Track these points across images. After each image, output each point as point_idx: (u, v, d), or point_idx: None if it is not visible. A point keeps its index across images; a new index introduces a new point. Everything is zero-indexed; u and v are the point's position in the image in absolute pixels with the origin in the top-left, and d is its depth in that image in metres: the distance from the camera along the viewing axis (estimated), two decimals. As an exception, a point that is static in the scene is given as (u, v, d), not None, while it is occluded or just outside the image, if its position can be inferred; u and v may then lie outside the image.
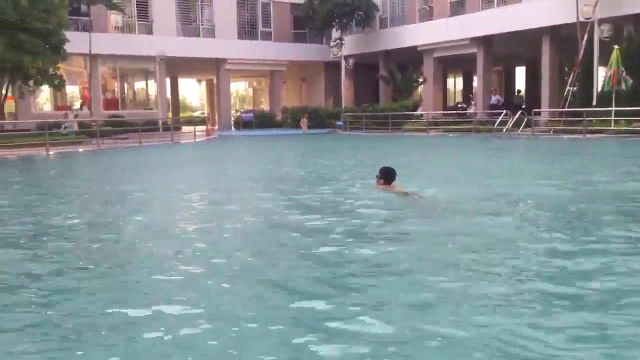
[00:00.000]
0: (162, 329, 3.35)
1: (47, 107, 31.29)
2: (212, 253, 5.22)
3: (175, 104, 40.80)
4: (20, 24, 21.29)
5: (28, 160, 17.52)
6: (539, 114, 23.96)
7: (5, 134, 21.40)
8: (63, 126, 24.38)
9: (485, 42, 26.94)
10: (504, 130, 22.68)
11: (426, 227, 6.23)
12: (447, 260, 4.74)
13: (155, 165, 15.79)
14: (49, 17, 21.62)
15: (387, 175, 7.51)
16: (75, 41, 24.25)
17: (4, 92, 23.35)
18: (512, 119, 23.06)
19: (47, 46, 22.33)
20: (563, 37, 24.03)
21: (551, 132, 22.41)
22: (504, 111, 23.90)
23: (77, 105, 30.94)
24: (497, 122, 23.38)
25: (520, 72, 35.55)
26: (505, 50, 28.39)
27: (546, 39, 24.50)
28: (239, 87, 46.75)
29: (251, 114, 33.84)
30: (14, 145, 19.89)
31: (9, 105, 26.23)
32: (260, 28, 34.58)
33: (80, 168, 16.09)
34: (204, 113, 44.76)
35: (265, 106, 39.39)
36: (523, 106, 26.99)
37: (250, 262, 4.91)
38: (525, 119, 22.98)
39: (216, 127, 33.49)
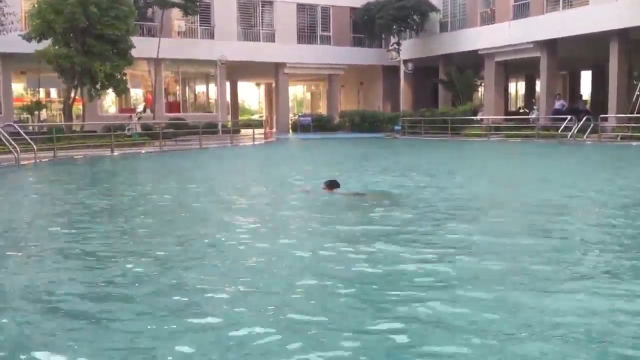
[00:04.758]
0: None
1: (112, 110, 32.41)
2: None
3: (235, 107, 41.48)
4: (90, 29, 22.15)
5: (97, 160, 18.12)
6: (605, 119, 23.12)
7: (73, 135, 22.23)
8: (127, 128, 25.12)
9: (550, 45, 26.19)
10: (569, 136, 21.99)
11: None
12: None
13: (235, 166, 16.11)
14: (119, 24, 22.37)
15: (332, 185, 8.91)
16: (140, 46, 24.98)
17: (72, 95, 24.28)
18: (578, 124, 22.30)
19: (115, 51, 23.11)
20: (633, 40, 23.14)
21: (618, 138, 21.63)
22: (569, 116, 23.17)
23: (140, 107, 31.87)
24: (562, 127, 22.70)
25: (586, 77, 34.43)
26: (571, 54, 27.53)
27: (614, 42, 23.60)
28: (296, 91, 47.11)
29: (309, 118, 34.02)
30: (80, 145, 20.64)
31: (76, 108, 27.27)
32: (319, 32, 34.76)
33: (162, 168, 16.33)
34: (262, 116, 45.31)
35: (322, 110, 39.56)
36: (589, 111, 26.15)
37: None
38: (592, 125, 22.19)
39: (274, 130, 33.82)
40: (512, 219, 7.14)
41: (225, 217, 7.44)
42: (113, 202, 9.31)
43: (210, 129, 27.77)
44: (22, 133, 17.62)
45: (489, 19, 29.35)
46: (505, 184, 10.87)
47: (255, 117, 47.49)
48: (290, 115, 37.18)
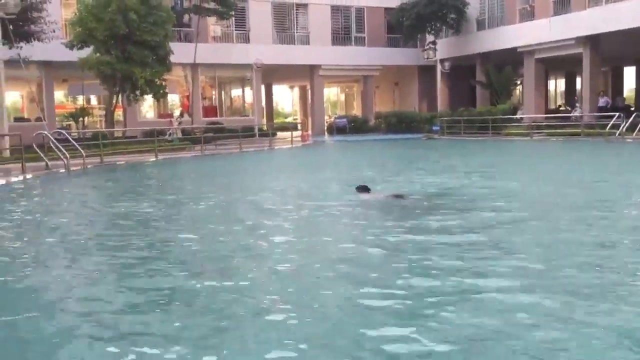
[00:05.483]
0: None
1: (150, 115, 32.70)
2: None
3: (270, 110, 41.54)
4: (130, 36, 22.33)
5: (145, 165, 18.20)
6: (654, 116, 22.48)
7: (115, 141, 22.43)
8: (168, 133, 25.28)
9: (593, 41, 25.55)
10: (617, 134, 21.44)
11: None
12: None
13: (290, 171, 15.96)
14: (157, 30, 22.51)
15: (363, 189, 9.17)
16: (176, 51, 25.08)
17: (114, 101, 24.52)
18: (626, 122, 21.72)
19: (154, 57, 23.27)
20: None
21: (669, 135, 21.06)
22: (616, 114, 22.58)
23: (177, 112, 32.06)
24: (609, 125, 22.12)
25: (629, 73, 33.61)
26: (613, 49, 26.87)
27: (661, 37, 22.99)
28: (330, 93, 46.97)
29: (345, 120, 33.87)
30: (123, 151, 20.81)
31: (116, 114, 27.54)
32: (353, 33, 34.60)
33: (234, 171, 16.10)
34: (295, 119, 45.29)
35: (357, 111, 39.36)
36: (632, 108, 25.53)
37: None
38: (641, 122, 21.64)
39: (310, 132, 33.74)
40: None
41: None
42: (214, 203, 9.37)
43: (247, 132, 27.80)
44: (72, 140, 17.76)
45: (528, 15, 28.83)
46: (582, 186, 10.19)
47: (289, 119, 47.49)
48: (325, 117, 37.05)
